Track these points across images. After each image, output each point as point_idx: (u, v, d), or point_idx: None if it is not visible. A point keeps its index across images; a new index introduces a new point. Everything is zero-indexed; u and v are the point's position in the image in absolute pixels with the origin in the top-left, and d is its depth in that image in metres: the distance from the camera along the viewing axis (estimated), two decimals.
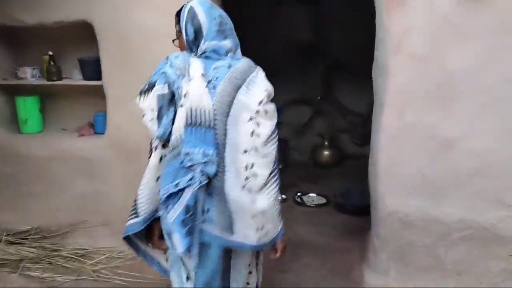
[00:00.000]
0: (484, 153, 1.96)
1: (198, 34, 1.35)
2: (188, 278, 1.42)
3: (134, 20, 2.43)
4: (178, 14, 1.42)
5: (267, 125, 1.32)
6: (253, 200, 1.30)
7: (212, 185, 1.32)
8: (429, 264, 2.15)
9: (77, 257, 2.57)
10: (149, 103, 1.32)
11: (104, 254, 2.60)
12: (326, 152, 4.70)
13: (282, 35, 4.64)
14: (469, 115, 1.95)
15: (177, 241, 1.31)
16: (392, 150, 2.09)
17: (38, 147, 2.73)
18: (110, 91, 2.57)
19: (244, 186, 1.29)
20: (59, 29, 2.61)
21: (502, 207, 1.98)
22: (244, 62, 1.37)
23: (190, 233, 1.30)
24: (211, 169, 1.29)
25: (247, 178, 1.29)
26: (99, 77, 2.59)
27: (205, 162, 1.28)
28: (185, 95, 1.29)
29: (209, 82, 1.30)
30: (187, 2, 1.39)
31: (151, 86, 1.33)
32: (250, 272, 1.52)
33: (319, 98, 4.85)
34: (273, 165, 1.34)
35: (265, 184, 1.31)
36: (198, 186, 1.28)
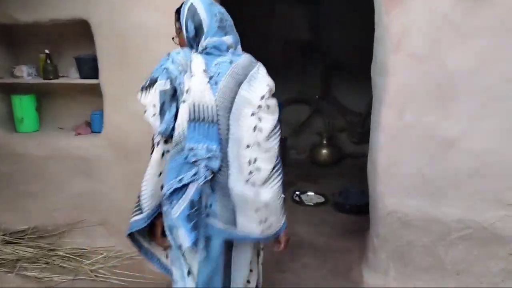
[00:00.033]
0: (484, 153, 1.95)
1: (199, 30, 1.35)
2: (189, 273, 1.43)
3: (131, 19, 2.41)
4: (178, 12, 1.42)
5: (269, 120, 1.33)
6: (257, 194, 1.31)
7: (215, 180, 1.33)
8: (429, 264, 2.15)
9: (74, 257, 2.55)
10: (151, 99, 1.33)
11: (102, 254, 2.59)
12: (324, 151, 4.71)
13: (281, 34, 4.65)
14: (469, 115, 1.95)
15: (183, 236, 1.32)
16: (392, 149, 2.09)
17: (35, 146, 2.71)
18: (107, 90, 2.55)
19: (247, 181, 1.30)
20: (55, 27, 2.59)
21: (501, 207, 1.98)
22: (245, 57, 1.38)
23: (195, 227, 1.32)
24: (215, 164, 1.30)
25: (250, 173, 1.30)
26: (96, 75, 2.56)
27: (209, 157, 1.29)
28: (187, 91, 1.29)
29: (211, 78, 1.31)
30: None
31: (152, 82, 1.33)
32: (250, 270, 1.52)
33: (317, 96, 4.86)
34: (276, 159, 1.35)
35: (269, 178, 1.32)
36: (204, 181, 1.29)
